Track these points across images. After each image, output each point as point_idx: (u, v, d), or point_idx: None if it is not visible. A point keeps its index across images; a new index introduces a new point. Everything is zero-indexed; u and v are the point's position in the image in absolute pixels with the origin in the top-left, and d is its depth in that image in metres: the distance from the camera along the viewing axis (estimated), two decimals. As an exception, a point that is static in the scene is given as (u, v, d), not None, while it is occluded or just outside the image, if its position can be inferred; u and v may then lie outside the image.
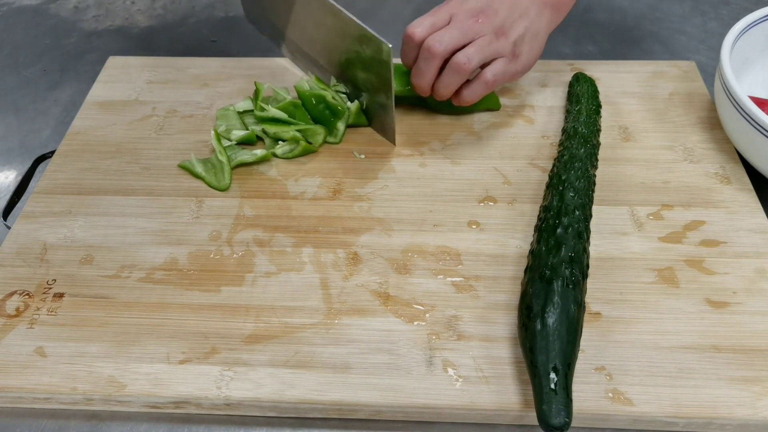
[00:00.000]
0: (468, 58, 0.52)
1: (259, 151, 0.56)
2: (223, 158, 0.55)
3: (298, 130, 0.57)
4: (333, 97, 0.58)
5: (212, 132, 0.56)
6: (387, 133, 0.58)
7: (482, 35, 0.53)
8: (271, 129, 0.57)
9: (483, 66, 0.55)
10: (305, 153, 0.57)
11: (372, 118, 0.59)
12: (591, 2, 0.77)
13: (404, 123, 0.60)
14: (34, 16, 0.78)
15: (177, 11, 0.79)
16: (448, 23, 0.54)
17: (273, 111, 0.57)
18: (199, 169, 0.55)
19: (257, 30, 0.67)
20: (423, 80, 0.54)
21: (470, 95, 0.55)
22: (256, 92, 0.60)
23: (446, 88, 0.54)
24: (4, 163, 0.61)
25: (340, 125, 0.58)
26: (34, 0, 0.80)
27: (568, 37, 0.72)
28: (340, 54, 0.57)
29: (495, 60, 0.54)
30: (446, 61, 0.53)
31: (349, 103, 0.58)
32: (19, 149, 0.62)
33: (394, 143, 0.58)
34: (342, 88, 0.60)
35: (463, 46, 0.53)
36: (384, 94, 0.55)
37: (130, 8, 0.79)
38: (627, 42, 0.72)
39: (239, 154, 0.56)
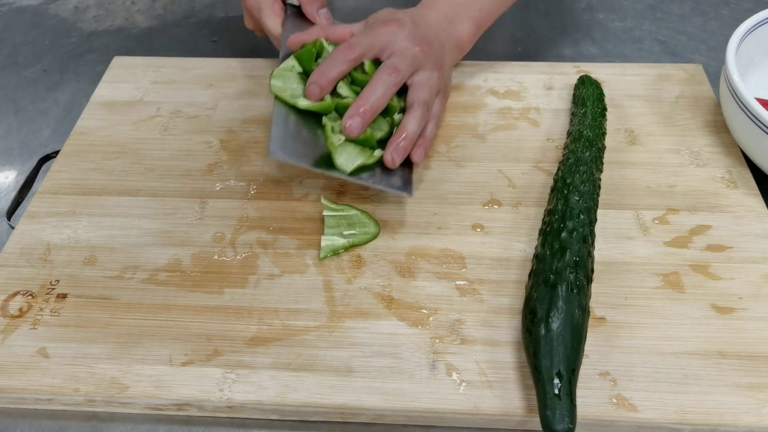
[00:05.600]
0: (427, 103, 0.51)
1: (378, 151, 0.50)
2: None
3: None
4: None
5: (324, 122, 0.51)
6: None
7: (424, 68, 0.52)
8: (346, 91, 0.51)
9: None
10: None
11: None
12: (591, 2, 0.77)
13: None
14: (34, 16, 0.78)
15: (177, 11, 0.79)
16: (382, 53, 0.52)
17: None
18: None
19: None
20: (374, 103, 0.49)
21: (429, 139, 0.52)
22: (313, 51, 0.53)
23: (415, 132, 0.50)
24: (4, 163, 0.61)
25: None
26: (34, 0, 0.80)
27: (568, 38, 0.72)
28: None
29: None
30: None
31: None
32: (19, 149, 0.62)
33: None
34: None
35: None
36: None
37: (130, 8, 0.79)
38: (627, 42, 0.71)
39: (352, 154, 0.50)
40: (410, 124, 0.50)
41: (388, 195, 0.53)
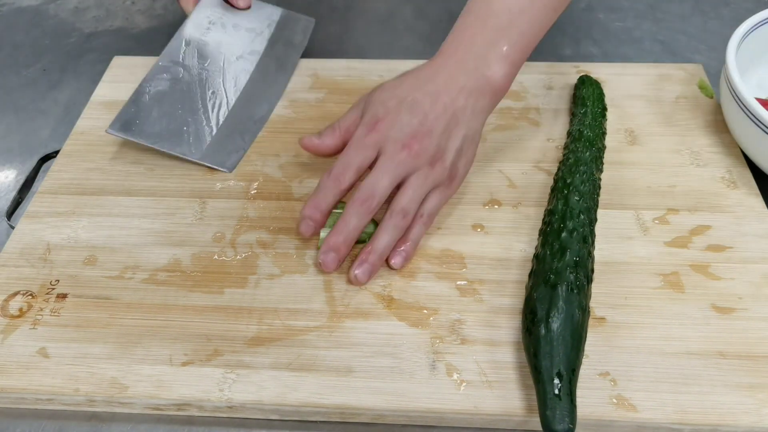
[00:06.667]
0: (405, 211, 0.46)
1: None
2: None
3: None
4: None
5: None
6: None
7: (416, 170, 0.47)
8: None
9: None
10: None
11: None
12: (591, 2, 0.77)
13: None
14: (34, 16, 0.78)
15: (177, 11, 0.78)
16: (376, 158, 0.47)
17: None
18: None
19: None
20: (347, 235, 0.46)
21: (414, 242, 0.48)
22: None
23: (387, 245, 0.47)
24: (4, 163, 0.61)
25: None
26: (34, 0, 0.80)
27: (568, 38, 0.72)
28: None
29: (429, 194, 0.48)
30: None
31: None
32: (19, 149, 0.62)
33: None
34: None
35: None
36: None
37: (130, 8, 0.79)
38: (627, 42, 0.71)
39: None
40: (380, 237, 0.46)
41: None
